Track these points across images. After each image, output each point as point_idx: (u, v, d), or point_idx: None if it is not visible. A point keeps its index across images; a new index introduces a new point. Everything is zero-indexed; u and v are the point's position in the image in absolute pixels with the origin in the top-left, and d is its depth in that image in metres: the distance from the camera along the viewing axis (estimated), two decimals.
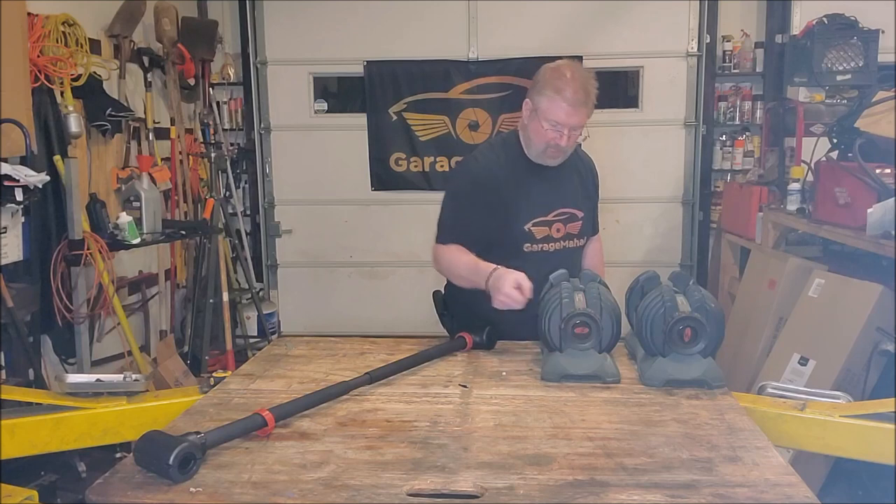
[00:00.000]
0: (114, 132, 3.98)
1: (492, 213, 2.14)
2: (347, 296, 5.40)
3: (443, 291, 2.37)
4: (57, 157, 3.35)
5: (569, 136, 2.09)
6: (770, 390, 1.70)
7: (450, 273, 2.20)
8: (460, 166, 2.36)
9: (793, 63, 4.19)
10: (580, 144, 2.39)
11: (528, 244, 2.17)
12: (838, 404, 1.64)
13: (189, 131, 4.95)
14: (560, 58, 5.33)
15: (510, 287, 1.91)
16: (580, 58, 5.07)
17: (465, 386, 1.69)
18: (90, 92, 3.71)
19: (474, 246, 2.14)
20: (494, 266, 2.00)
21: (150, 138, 4.37)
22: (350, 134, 5.29)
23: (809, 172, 3.67)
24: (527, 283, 1.91)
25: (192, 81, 4.82)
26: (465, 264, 2.10)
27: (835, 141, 3.38)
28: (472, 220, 2.16)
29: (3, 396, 1.69)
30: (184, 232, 4.21)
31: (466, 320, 2.13)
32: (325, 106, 5.41)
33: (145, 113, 4.36)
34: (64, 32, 3.44)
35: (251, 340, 5.03)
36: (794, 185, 3.74)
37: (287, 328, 5.49)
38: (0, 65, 2.83)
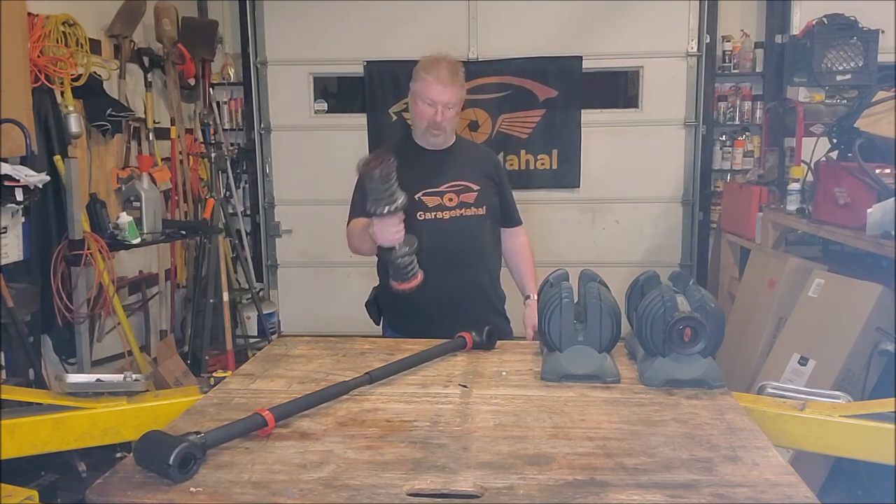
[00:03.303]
0: (114, 132, 3.99)
1: None
2: (347, 296, 5.39)
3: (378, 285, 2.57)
4: (57, 157, 3.36)
5: (442, 112, 2.32)
6: (770, 390, 1.70)
7: (353, 244, 2.36)
8: None
9: (793, 63, 4.19)
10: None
11: (421, 212, 2.34)
12: (838, 404, 1.64)
13: (189, 131, 4.96)
14: (560, 58, 5.30)
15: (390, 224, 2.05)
16: (580, 58, 5.09)
17: (465, 386, 1.69)
18: (90, 92, 3.71)
19: None
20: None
21: (151, 138, 4.37)
22: (350, 134, 5.29)
23: (809, 172, 3.67)
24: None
25: (192, 81, 4.82)
26: (358, 228, 2.27)
27: (835, 141, 3.39)
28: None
29: (3, 396, 1.69)
30: (184, 232, 4.21)
31: (396, 312, 2.46)
32: (325, 106, 5.41)
33: (145, 113, 4.37)
34: (64, 32, 3.44)
35: (251, 340, 5.03)
36: (794, 185, 3.74)
37: (287, 328, 5.49)
38: (0, 65, 2.83)
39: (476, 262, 2.43)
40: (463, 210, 2.39)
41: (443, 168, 2.42)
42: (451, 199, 2.38)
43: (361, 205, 2.36)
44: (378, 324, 2.58)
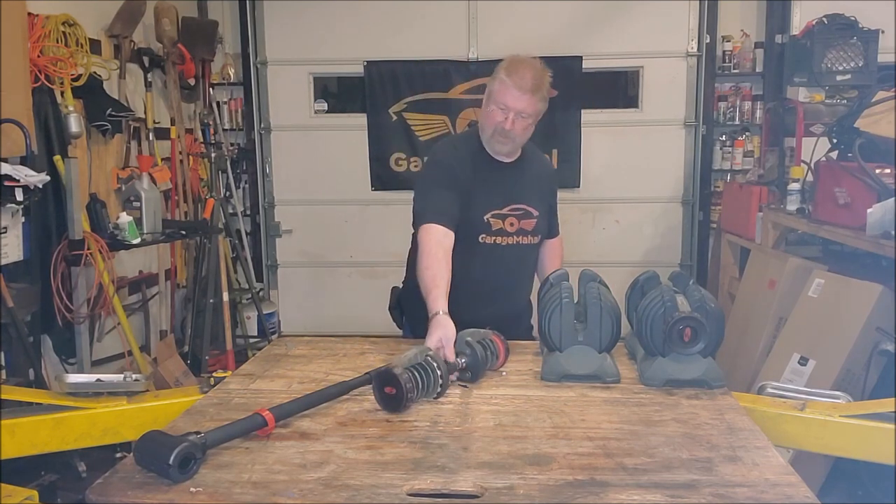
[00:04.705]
0: (114, 132, 3.98)
1: (457, 198, 2.14)
2: (347, 296, 5.40)
3: (400, 287, 2.43)
4: (57, 157, 3.35)
5: (514, 120, 2.10)
6: (770, 390, 1.70)
7: (418, 265, 2.07)
8: (429, 159, 2.44)
9: (793, 63, 4.19)
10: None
11: (484, 235, 2.20)
12: (838, 404, 1.65)
13: (189, 131, 4.95)
14: (560, 58, 5.31)
15: (435, 341, 1.80)
16: (580, 58, 5.09)
17: (465, 386, 1.69)
18: (90, 92, 3.71)
19: (453, 225, 2.10)
20: (438, 310, 1.91)
21: (151, 138, 4.37)
22: (350, 134, 5.29)
23: (809, 172, 3.67)
24: (449, 344, 1.81)
25: (192, 81, 4.82)
26: (428, 278, 1.99)
27: (835, 141, 3.38)
28: (446, 197, 2.14)
29: (3, 396, 1.70)
30: (184, 232, 4.21)
31: (419, 319, 2.11)
32: (325, 106, 5.41)
33: (145, 113, 4.37)
34: (64, 32, 3.44)
35: (251, 340, 5.03)
36: (794, 185, 3.74)
37: (287, 328, 5.49)
38: (0, 65, 2.83)
39: (520, 289, 2.33)
40: (520, 238, 2.24)
41: (509, 186, 2.24)
42: (511, 224, 2.23)
43: (447, 204, 2.10)
44: (401, 327, 2.45)
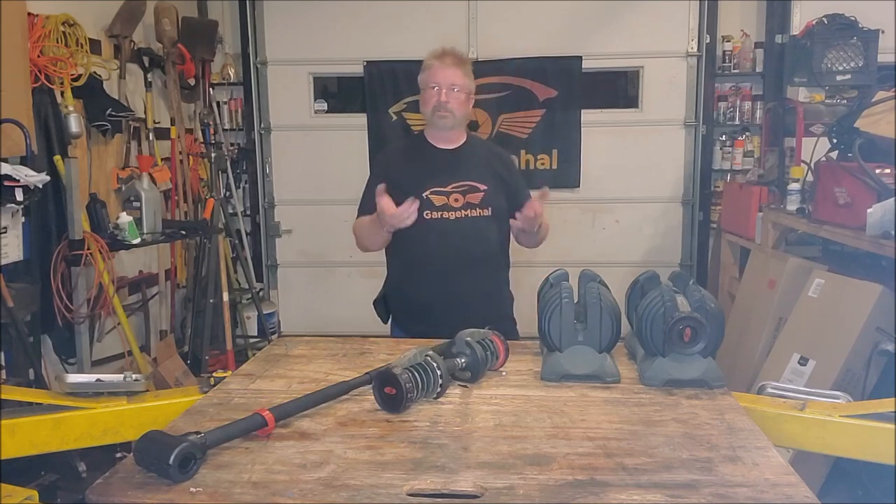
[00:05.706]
0: (114, 132, 3.99)
1: (394, 188, 2.34)
2: (347, 296, 5.40)
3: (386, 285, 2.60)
4: (57, 157, 3.36)
5: (447, 93, 2.37)
6: (770, 390, 1.70)
7: (361, 238, 2.47)
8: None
9: (793, 63, 4.20)
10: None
11: (428, 211, 2.35)
12: (838, 404, 1.64)
13: (189, 131, 4.96)
14: (560, 58, 5.31)
15: (391, 212, 2.21)
16: (580, 58, 5.09)
17: (465, 386, 1.69)
18: (90, 92, 3.71)
19: None
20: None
21: (151, 138, 4.37)
22: (350, 134, 5.29)
23: (809, 172, 3.68)
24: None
25: (192, 81, 4.82)
26: (366, 223, 2.40)
27: (835, 141, 3.38)
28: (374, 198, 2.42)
29: (3, 396, 1.69)
30: (184, 232, 4.21)
31: (405, 315, 2.46)
32: (325, 106, 5.41)
33: (145, 113, 4.37)
34: (64, 32, 3.44)
35: (251, 340, 5.03)
36: (794, 185, 3.74)
37: (287, 328, 5.49)
38: (0, 65, 2.83)
39: (483, 264, 2.41)
40: (468, 211, 2.38)
41: (451, 167, 2.42)
42: (456, 200, 2.37)
43: (370, 203, 2.40)
44: (385, 322, 2.55)
